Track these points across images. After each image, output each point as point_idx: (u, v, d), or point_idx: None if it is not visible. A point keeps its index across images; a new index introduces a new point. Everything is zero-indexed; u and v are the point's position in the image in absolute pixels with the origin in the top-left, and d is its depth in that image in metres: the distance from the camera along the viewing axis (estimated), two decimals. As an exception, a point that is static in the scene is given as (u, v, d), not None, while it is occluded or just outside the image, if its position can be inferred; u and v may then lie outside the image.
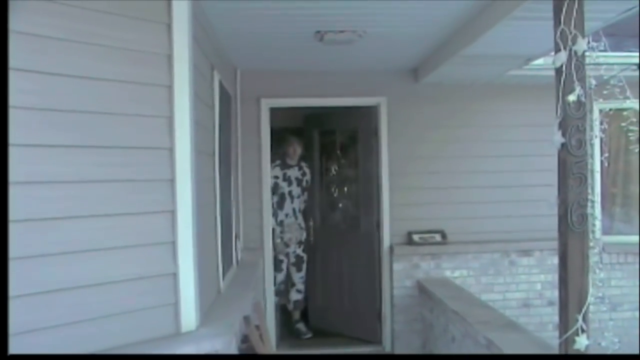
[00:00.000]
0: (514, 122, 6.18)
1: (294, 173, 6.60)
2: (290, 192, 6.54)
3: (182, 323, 2.97)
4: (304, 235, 6.71)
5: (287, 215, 6.54)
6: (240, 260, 5.37)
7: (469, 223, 6.13)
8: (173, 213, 2.94)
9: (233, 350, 3.53)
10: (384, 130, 6.11)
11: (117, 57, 2.74)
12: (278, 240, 6.37)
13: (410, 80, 6.12)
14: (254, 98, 5.95)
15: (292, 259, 6.62)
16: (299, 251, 6.66)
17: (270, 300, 6.06)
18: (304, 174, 6.69)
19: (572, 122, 2.74)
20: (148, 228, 2.87)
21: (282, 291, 6.59)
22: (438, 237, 6.09)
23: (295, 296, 6.64)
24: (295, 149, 6.54)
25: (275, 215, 6.37)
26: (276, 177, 6.41)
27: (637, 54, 5.41)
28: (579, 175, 2.74)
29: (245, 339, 4.03)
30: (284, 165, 6.51)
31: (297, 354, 6.06)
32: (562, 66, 2.76)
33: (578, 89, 2.73)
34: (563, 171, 2.78)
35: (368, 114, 6.23)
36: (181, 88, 2.94)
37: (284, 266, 6.55)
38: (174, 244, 2.94)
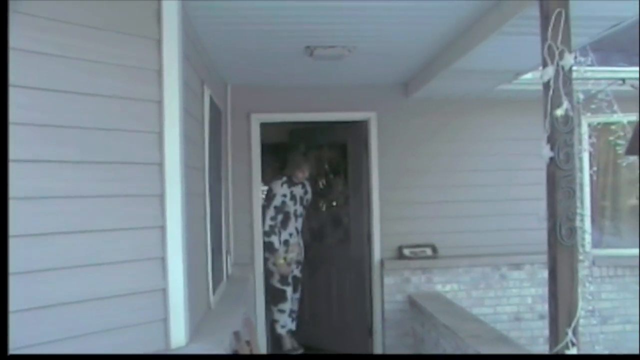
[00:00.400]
0: (504, 135, 6.20)
1: (298, 191, 6.35)
2: (295, 212, 6.30)
3: (172, 339, 2.96)
4: (302, 254, 6.48)
5: (290, 234, 6.24)
6: (230, 276, 5.35)
7: (459, 237, 6.13)
8: (163, 228, 2.93)
9: (223, 366, 3.52)
10: (374, 144, 6.12)
11: (108, 72, 2.75)
12: (282, 261, 6.10)
13: (400, 95, 6.15)
14: (244, 113, 5.96)
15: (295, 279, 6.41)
16: (297, 272, 6.40)
17: (261, 316, 6.02)
18: (306, 192, 6.47)
19: (560, 136, 2.76)
20: (138, 243, 2.86)
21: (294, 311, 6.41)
22: (429, 251, 6.10)
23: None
24: (304, 173, 6.32)
25: (279, 235, 6.10)
26: (284, 196, 6.17)
27: (624, 68, 5.46)
28: (567, 189, 2.76)
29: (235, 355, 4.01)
30: (290, 183, 6.25)
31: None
32: (549, 81, 2.78)
33: (565, 104, 2.75)
34: (551, 185, 2.79)
35: (358, 128, 6.25)
36: (171, 103, 2.95)
37: (290, 280, 6.26)
38: (163, 259, 2.93)
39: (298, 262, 6.40)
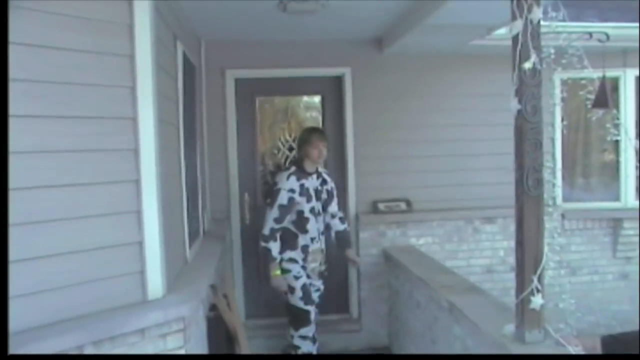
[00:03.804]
0: (478, 91, 6.26)
1: (312, 184, 5.02)
2: (312, 210, 4.98)
3: (149, 291, 3.02)
4: (325, 262, 5.22)
5: (312, 239, 5.02)
6: (207, 231, 5.41)
7: (433, 191, 6.24)
8: (137, 182, 2.96)
9: (200, 316, 3.59)
10: (349, 100, 6.15)
11: (78, 26, 2.73)
12: (278, 272, 4.89)
13: (374, 50, 6.15)
14: (218, 69, 5.94)
15: (315, 294, 5.23)
16: (319, 284, 5.25)
17: (239, 271, 6.10)
18: (323, 183, 5.15)
19: (527, 90, 2.81)
20: (113, 197, 2.89)
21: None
22: (403, 206, 6.19)
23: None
24: (321, 152, 4.96)
25: (293, 240, 4.95)
26: (292, 191, 4.86)
27: (595, 24, 5.51)
28: (534, 140, 2.82)
29: (212, 308, 4.09)
30: (301, 174, 4.94)
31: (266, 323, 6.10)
32: (518, 35, 2.82)
33: (533, 57, 2.80)
34: (519, 137, 2.86)
35: (331, 83, 6.27)
36: (143, 58, 2.95)
37: (314, 297, 5.12)
38: (139, 213, 2.97)
39: (321, 274, 5.21)
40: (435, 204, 6.24)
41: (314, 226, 5.01)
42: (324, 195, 5.15)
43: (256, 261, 5.78)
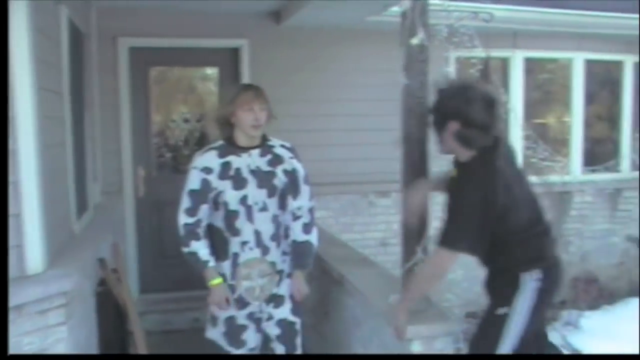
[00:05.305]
0: (374, 67, 6.32)
1: (247, 162, 3.27)
2: (244, 200, 3.22)
3: (28, 265, 2.90)
4: (275, 282, 3.37)
5: (244, 244, 3.26)
6: (99, 204, 5.24)
7: (328, 165, 6.23)
8: (14, 152, 2.81)
9: (87, 291, 3.49)
10: (246, 72, 6.07)
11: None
12: (216, 281, 3.27)
13: (272, 23, 6.09)
14: (110, 36, 5.70)
15: (276, 330, 3.39)
16: (288, 315, 3.43)
17: (132, 245, 5.95)
18: (276, 162, 3.35)
19: (415, 65, 2.89)
20: (-14, 167, 2.74)
21: None
22: (298, 179, 6.19)
23: None
24: (257, 116, 3.27)
25: (224, 246, 3.30)
26: (206, 171, 3.21)
27: (487, 5, 5.67)
28: (420, 114, 2.90)
29: (102, 282, 3.98)
30: (228, 149, 3.27)
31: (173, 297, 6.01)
32: (406, 11, 2.88)
33: (421, 33, 2.86)
34: (406, 111, 2.93)
35: (228, 55, 6.18)
36: (16, 20, 2.78)
37: (245, 337, 3.32)
38: (15, 184, 2.83)
39: (271, 298, 3.38)
40: (330, 178, 6.25)
41: (246, 226, 3.24)
42: (278, 181, 3.32)
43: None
